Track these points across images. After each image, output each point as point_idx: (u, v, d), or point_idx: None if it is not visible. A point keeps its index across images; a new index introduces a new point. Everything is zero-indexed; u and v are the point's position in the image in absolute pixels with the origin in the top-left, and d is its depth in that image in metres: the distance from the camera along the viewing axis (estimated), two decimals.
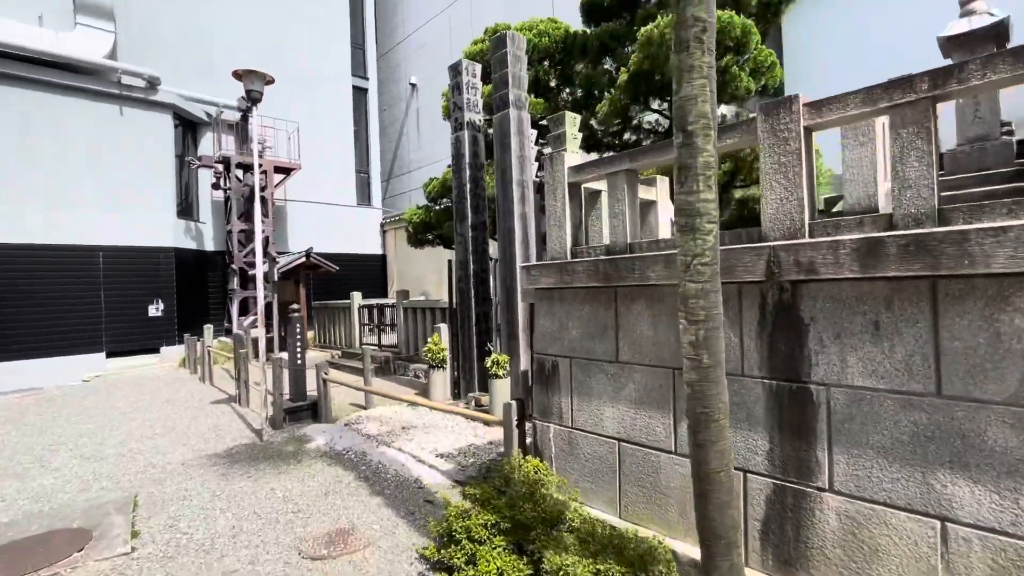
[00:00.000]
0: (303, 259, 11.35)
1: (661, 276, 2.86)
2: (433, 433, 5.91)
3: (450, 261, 8.12)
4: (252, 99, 6.34)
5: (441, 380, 7.09)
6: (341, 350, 11.87)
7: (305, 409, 6.87)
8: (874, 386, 2.19)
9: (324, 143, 16.18)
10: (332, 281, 15.06)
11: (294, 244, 15.48)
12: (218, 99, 14.17)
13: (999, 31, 3.73)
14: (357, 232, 17.41)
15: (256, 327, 13.32)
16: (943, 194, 2.82)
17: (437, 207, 9.41)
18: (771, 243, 2.46)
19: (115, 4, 12.61)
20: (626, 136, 7.85)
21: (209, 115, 14.27)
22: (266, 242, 13.90)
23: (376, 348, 11.27)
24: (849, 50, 7.55)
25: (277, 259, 11.75)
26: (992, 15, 3.71)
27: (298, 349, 7.01)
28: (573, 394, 3.42)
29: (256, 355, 11.31)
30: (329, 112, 16.63)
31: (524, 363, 6.41)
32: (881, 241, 2.09)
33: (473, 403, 6.62)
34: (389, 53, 19.76)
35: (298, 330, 7.03)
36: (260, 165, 13.33)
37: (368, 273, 17.55)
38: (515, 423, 3.82)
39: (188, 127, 14.12)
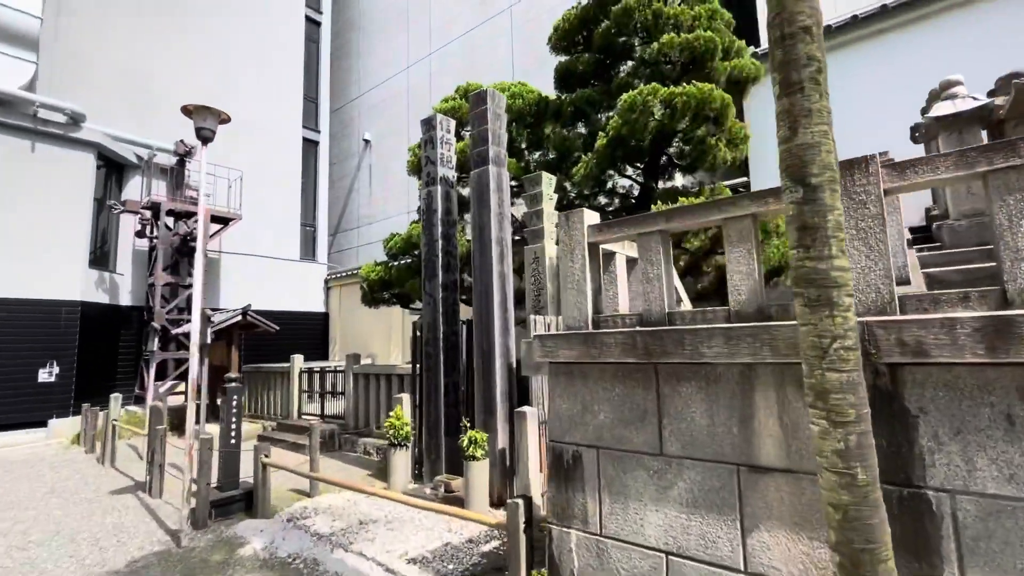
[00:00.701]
0: (239, 318, 10.16)
1: (720, 354, 2.44)
2: (399, 530, 4.99)
3: (415, 323, 7.44)
4: (203, 138, 5.63)
5: (403, 461, 6.19)
6: (276, 421, 10.49)
7: (237, 500, 5.70)
8: (1016, 495, 1.81)
9: (268, 194, 15.25)
10: (266, 342, 13.68)
11: (226, 300, 14.06)
12: (152, 141, 13.07)
13: (983, 114, 3.93)
14: (299, 288, 16.22)
15: (173, 394, 11.65)
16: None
17: (397, 264, 8.79)
18: (861, 318, 2.12)
19: (42, 33, 11.56)
20: (600, 200, 7.78)
21: (140, 157, 13.09)
22: None
23: (318, 419, 10.05)
24: None
25: (212, 317, 10.47)
26: (975, 99, 3.92)
27: (233, 425, 5.92)
28: (602, 492, 2.84)
29: (177, 430, 9.79)
30: (276, 162, 15.84)
31: (502, 441, 5.73)
32: (1012, 321, 1.79)
33: (442, 488, 5.77)
34: (343, 108, 19.52)
35: (234, 403, 5.97)
36: (195, 215, 12.21)
37: (308, 333, 16.20)
38: (522, 527, 3.15)
39: (113, 169, 12.82)
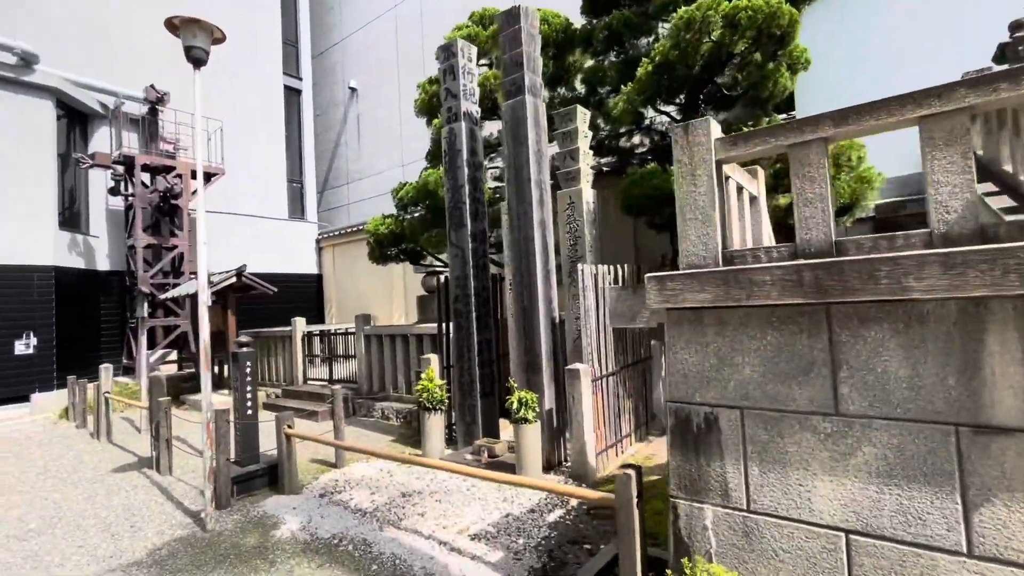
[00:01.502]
0: (233, 279, 9.35)
1: (934, 287, 1.90)
2: (448, 501, 4.53)
3: (437, 279, 6.81)
4: (194, 59, 4.71)
5: (438, 426, 5.69)
6: (281, 388, 9.90)
7: (259, 475, 5.16)
8: None
9: (251, 148, 14.07)
10: (258, 306, 12.89)
11: (212, 264, 13.11)
12: (118, 88, 11.74)
13: None
14: (289, 249, 15.30)
15: (164, 363, 10.92)
16: None
17: (408, 216, 8.04)
18: None
19: None
20: (635, 139, 7.08)
21: (106, 107, 11.79)
22: (180, 259, 11.60)
23: (325, 384, 9.49)
24: (852, 53, 7.38)
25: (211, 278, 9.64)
26: None
27: (248, 394, 5.31)
28: (749, 461, 2.35)
29: (175, 401, 9.18)
30: (256, 113, 14.57)
31: (549, 401, 5.25)
32: None
33: (485, 453, 5.31)
34: (325, 54, 18.00)
35: (247, 369, 5.34)
36: (173, 170, 11.16)
37: (301, 296, 15.42)
38: (635, 500, 2.67)
39: (76, 119, 11.53)
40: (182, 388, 10.53)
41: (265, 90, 14.88)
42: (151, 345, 11.15)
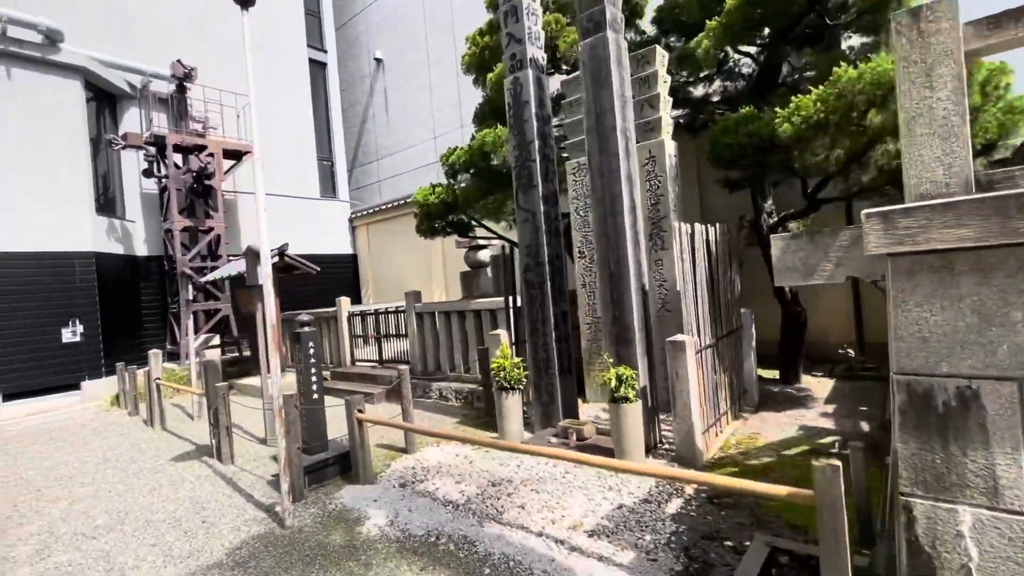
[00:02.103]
0: (275, 259, 8.97)
1: None
2: (545, 491, 4.05)
3: (503, 248, 6.27)
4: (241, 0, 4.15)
5: (516, 407, 5.21)
6: (329, 370, 9.58)
7: (331, 464, 4.78)
8: None
9: (278, 126, 13.59)
10: (294, 289, 12.59)
11: (247, 243, 12.81)
12: (143, 66, 11.32)
13: None
14: (323, 229, 14.93)
15: (208, 347, 10.72)
16: None
17: (458, 184, 7.46)
18: None
19: None
20: (714, 84, 6.32)
21: (133, 87, 11.40)
22: (217, 241, 11.29)
23: (375, 365, 9.13)
24: None
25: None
26: None
27: (313, 377, 4.90)
28: None
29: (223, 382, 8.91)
30: (283, 88, 14.05)
31: (643, 378, 4.70)
32: None
33: (573, 436, 4.81)
34: (348, 24, 17.30)
35: (311, 350, 4.92)
36: (204, 149, 10.76)
37: (337, 277, 15.10)
38: (842, 498, 2.11)
39: (105, 100, 11.19)
40: (228, 373, 10.32)
41: (290, 64, 14.33)
42: (195, 330, 10.95)
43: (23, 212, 9.03)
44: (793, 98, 4.66)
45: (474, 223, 8.06)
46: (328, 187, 15.63)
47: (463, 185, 7.25)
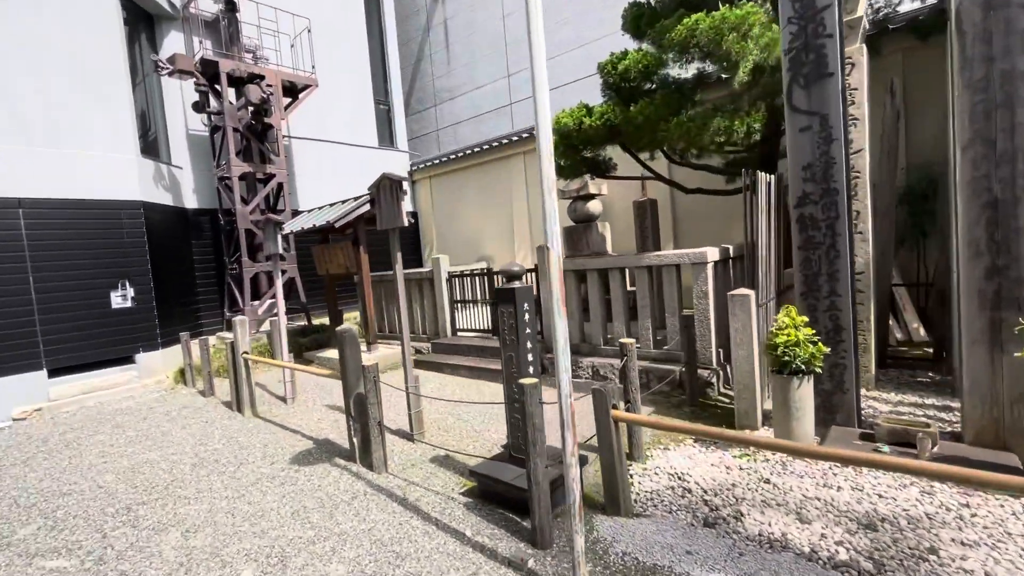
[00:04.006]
0: (366, 207, 7.34)
1: None
2: (922, 527, 2.48)
3: (745, 174, 4.57)
4: None
5: (809, 397, 3.60)
6: (428, 341, 8.06)
7: (559, 481, 3.24)
8: None
9: (331, 63, 11.70)
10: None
11: (303, 199, 11.19)
12: None
13: None
14: None
15: (271, 315, 9.24)
16: None
17: (627, 102, 5.66)
18: None
19: None
20: None
21: (173, 5, 9.55)
22: (278, 191, 9.66)
23: (486, 335, 7.57)
24: None
25: (284, 222, 7.66)
26: None
27: (529, 355, 3.31)
28: None
29: (299, 357, 7.50)
30: (333, 17, 12.09)
31: None
32: None
33: (929, 445, 3.21)
34: None
35: (526, 317, 3.31)
36: (262, 79, 9.00)
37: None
38: None
39: (141, 21, 9.37)
40: (299, 344, 8.86)
41: None
42: (257, 296, 9.44)
43: (61, 151, 7.41)
44: None
45: (631, 155, 6.33)
46: (385, 135, 13.81)
47: (646, 99, 5.42)
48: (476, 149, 12.05)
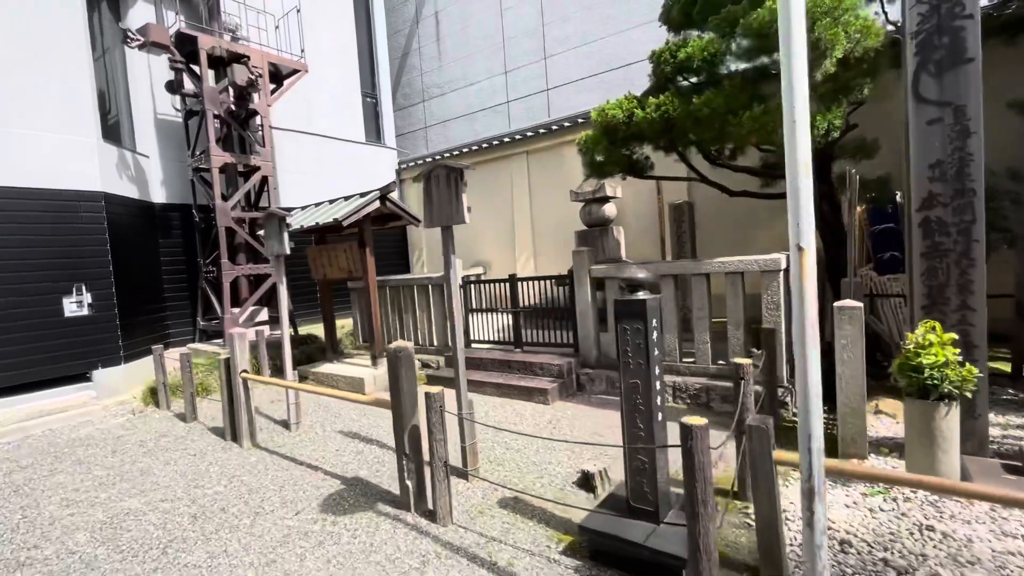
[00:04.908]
0: (375, 204, 6.54)
1: None
2: None
3: (847, 170, 4.13)
4: None
5: (955, 425, 3.14)
6: (439, 355, 7.29)
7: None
8: None
9: (315, 50, 10.76)
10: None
11: (284, 194, 10.17)
12: None
13: None
14: (367, 181, 12.26)
15: (254, 324, 8.26)
16: None
17: (682, 96, 5.15)
18: None
19: None
20: None
21: None
22: (261, 185, 8.69)
23: (507, 349, 6.89)
24: None
25: (290, 215, 6.81)
26: None
27: (656, 382, 2.68)
28: None
29: (280, 374, 6.61)
30: (321, 5, 11.15)
31: None
32: None
33: None
34: None
35: (654, 334, 2.69)
36: (246, 59, 8.07)
37: (380, 239, 12.55)
38: None
39: None
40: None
41: None
42: (236, 302, 8.39)
43: (6, 130, 6.23)
44: None
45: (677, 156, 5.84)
46: (372, 130, 12.90)
47: (719, 85, 4.92)
48: (474, 147, 11.37)
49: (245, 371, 4.89)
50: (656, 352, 2.67)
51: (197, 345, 8.51)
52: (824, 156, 5.41)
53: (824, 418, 1.92)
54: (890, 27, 4.81)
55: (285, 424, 5.39)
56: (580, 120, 9.74)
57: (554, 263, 10.02)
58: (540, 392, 5.64)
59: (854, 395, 3.70)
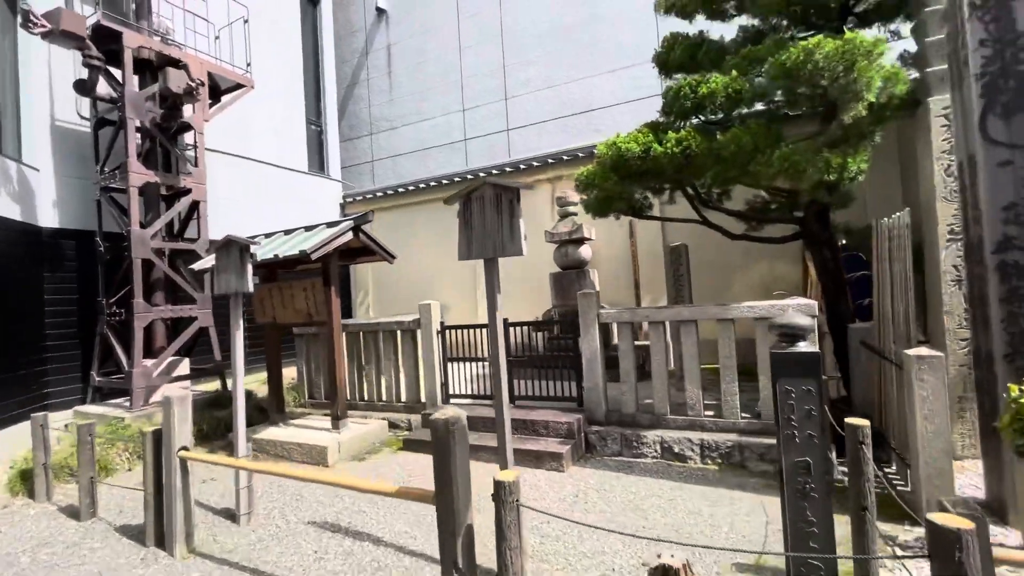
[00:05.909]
0: (348, 236, 5.56)
1: None
2: None
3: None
4: None
5: None
6: (411, 411, 6.24)
7: None
8: None
9: (257, 68, 9.72)
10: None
11: (215, 227, 8.74)
12: None
13: None
14: (308, 214, 11.06)
15: (175, 379, 6.78)
16: None
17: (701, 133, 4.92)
18: None
19: None
20: None
21: None
22: (192, 211, 7.37)
23: (518, 404, 6.02)
24: None
25: (255, 244, 5.66)
26: None
27: (826, 454, 2.08)
28: None
29: (207, 439, 5.42)
30: (264, 22, 10.19)
31: None
32: None
33: None
34: None
35: (813, 393, 2.11)
36: (180, 64, 6.98)
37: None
38: None
39: None
40: (213, 420, 6.43)
41: None
42: (149, 352, 6.79)
43: None
44: None
45: (695, 196, 5.59)
46: (315, 160, 11.79)
47: (756, 119, 4.72)
48: (432, 183, 10.70)
49: (185, 448, 3.63)
50: (815, 413, 2.09)
51: (87, 407, 6.70)
52: (824, 203, 5.41)
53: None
54: (914, 73, 4.93)
55: (231, 515, 4.09)
56: (551, 160, 9.49)
57: (522, 307, 9.38)
58: (552, 457, 4.85)
59: (939, 454, 3.36)
